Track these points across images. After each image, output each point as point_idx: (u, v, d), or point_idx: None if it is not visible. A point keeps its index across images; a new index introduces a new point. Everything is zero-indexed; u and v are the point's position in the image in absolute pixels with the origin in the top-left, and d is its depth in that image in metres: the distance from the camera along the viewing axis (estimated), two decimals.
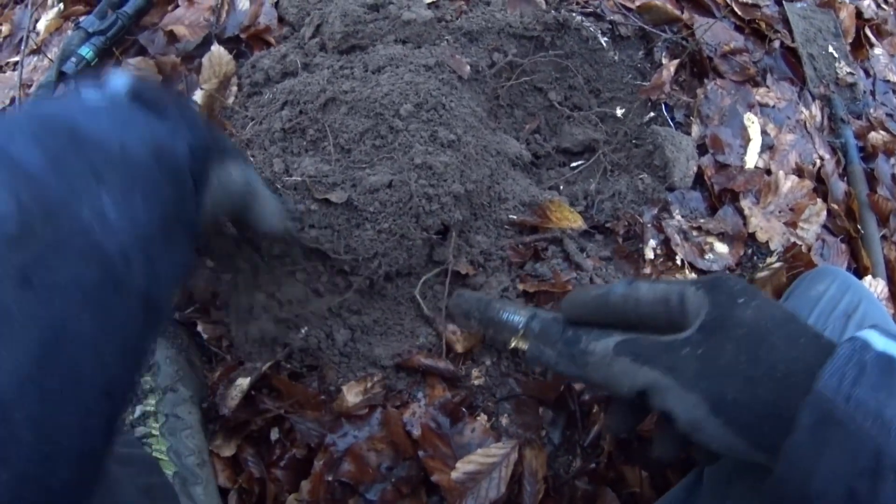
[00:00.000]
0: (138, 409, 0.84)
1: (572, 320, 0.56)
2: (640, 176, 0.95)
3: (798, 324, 0.46)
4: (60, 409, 0.35)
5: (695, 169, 0.97)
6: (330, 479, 0.84)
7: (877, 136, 1.13)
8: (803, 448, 0.41)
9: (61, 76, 1.03)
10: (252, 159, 0.90)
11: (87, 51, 1.02)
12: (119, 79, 0.56)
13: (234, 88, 0.98)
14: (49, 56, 1.09)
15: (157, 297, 0.45)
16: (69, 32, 1.08)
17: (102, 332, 0.39)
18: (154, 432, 0.83)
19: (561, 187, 0.95)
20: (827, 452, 0.40)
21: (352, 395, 0.86)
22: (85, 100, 0.54)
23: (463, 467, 0.85)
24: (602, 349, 0.51)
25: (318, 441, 0.85)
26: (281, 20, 1.05)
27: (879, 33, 1.29)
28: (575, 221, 0.88)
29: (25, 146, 0.41)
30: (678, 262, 0.91)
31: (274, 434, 0.88)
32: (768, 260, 0.94)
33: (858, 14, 1.27)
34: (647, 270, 0.91)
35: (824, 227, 1.01)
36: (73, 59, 1.02)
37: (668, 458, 0.52)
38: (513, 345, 0.64)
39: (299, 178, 0.87)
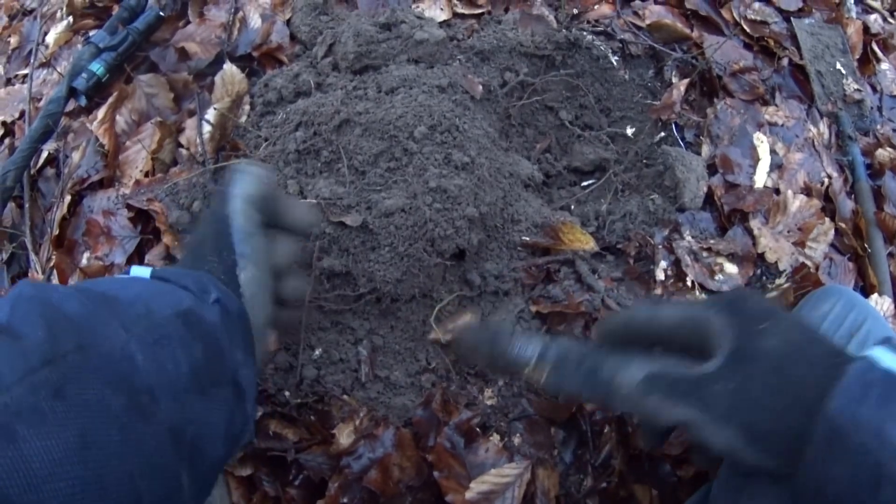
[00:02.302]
0: None
1: (602, 343, 0.59)
2: (651, 196, 0.95)
3: (818, 346, 0.50)
4: (87, 496, 0.40)
5: (705, 189, 0.97)
6: (345, 500, 0.85)
7: (884, 153, 1.13)
8: (817, 462, 0.45)
9: (72, 91, 1.03)
10: None
11: (97, 67, 1.02)
12: (141, 268, 0.61)
13: (247, 107, 0.98)
14: (59, 70, 1.09)
15: (192, 435, 0.49)
16: (79, 47, 1.08)
17: (128, 448, 0.43)
18: None
19: (572, 207, 0.96)
20: (836, 466, 0.44)
21: (344, 437, 0.87)
22: (116, 278, 0.61)
23: (477, 487, 0.85)
24: (629, 384, 0.52)
25: (330, 472, 0.86)
26: (293, 38, 1.05)
27: (886, 48, 1.30)
28: (587, 243, 0.89)
29: (65, 297, 0.47)
30: (689, 283, 0.92)
31: (290, 455, 0.88)
32: (777, 281, 0.95)
33: (865, 29, 1.27)
34: (658, 291, 0.91)
35: (832, 245, 1.02)
36: (84, 75, 1.02)
37: (708, 468, 0.55)
38: (527, 374, 0.65)
39: (314, 201, 0.87)
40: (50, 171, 1.05)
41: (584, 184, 0.99)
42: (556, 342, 0.61)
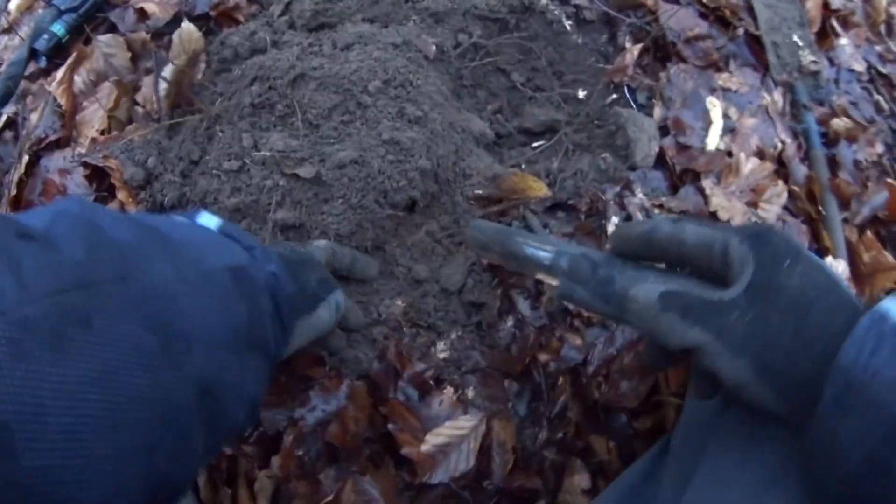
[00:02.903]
0: None
1: (617, 253, 0.58)
2: (602, 155, 0.96)
3: (838, 294, 0.49)
4: (95, 434, 0.37)
5: (657, 149, 0.98)
6: (301, 453, 0.85)
7: (839, 123, 1.15)
8: (828, 415, 0.44)
9: (33, 53, 1.04)
10: (221, 134, 0.91)
11: (58, 28, 1.02)
12: (211, 217, 0.61)
13: (203, 65, 0.98)
14: (20, 34, 1.09)
15: (219, 395, 0.47)
16: (41, 11, 1.08)
17: (151, 394, 0.40)
18: None
19: (523, 166, 0.97)
20: (848, 420, 0.43)
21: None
22: (174, 219, 0.58)
23: (432, 440, 0.86)
24: (645, 298, 0.52)
25: (286, 424, 0.86)
26: None
27: (846, 24, 1.31)
28: (540, 190, 0.89)
29: (115, 223, 0.44)
30: None
31: None
32: None
33: (825, 5, 1.29)
34: (609, 247, 0.92)
35: (785, 208, 1.03)
36: (45, 36, 1.02)
37: (709, 397, 0.55)
38: (539, 277, 0.65)
39: (268, 154, 0.87)
40: (9, 135, 1.04)
41: (535, 144, 1.00)
42: (569, 249, 0.60)
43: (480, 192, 0.91)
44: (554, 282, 0.60)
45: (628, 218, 0.93)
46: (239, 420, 0.54)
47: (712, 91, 1.06)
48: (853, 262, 1.03)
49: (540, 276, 0.63)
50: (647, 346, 0.63)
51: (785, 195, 1.02)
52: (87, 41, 1.04)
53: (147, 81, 0.98)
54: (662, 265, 0.58)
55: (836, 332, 0.46)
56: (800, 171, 1.08)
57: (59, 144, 1.00)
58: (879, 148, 1.15)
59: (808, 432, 0.46)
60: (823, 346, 0.46)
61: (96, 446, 0.37)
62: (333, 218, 0.86)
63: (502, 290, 0.89)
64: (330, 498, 0.84)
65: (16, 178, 0.98)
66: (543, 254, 0.60)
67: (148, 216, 0.57)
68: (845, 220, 1.07)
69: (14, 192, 0.98)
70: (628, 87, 1.04)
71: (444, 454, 0.86)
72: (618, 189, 0.94)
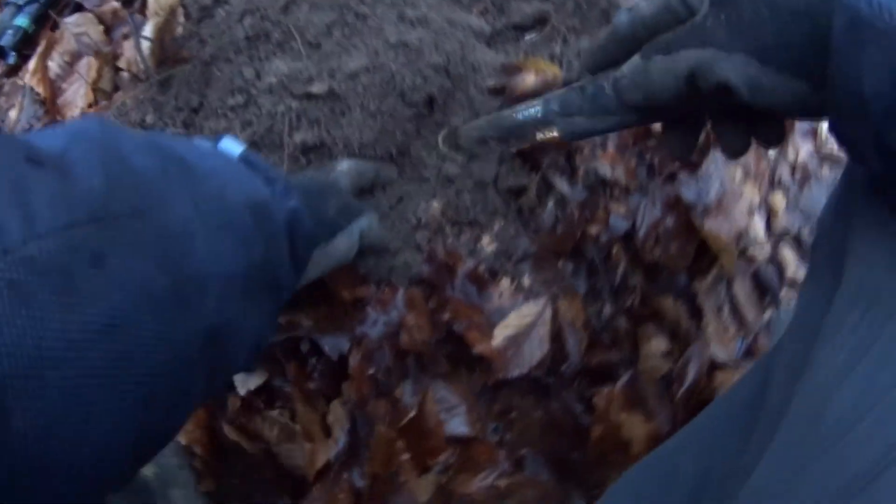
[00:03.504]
0: None
1: (593, 71, 0.56)
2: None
3: None
4: (96, 389, 0.34)
5: None
6: (372, 371, 0.81)
7: None
8: (844, 52, 0.40)
9: (0, 52, 0.99)
10: (219, 73, 0.88)
11: (22, 20, 0.98)
12: (234, 143, 0.58)
13: (182, 18, 0.95)
14: None
15: (225, 340, 0.45)
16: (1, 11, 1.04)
17: (156, 343, 0.38)
18: None
19: (522, 56, 0.96)
20: (865, 53, 0.39)
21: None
22: (197, 144, 0.56)
23: (502, 333, 0.83)
24: (630, 69, 0.50)
25: (349, 346, 0.82)
26: None
27: None
28: (553, 70, 0.88)
29: (138, 149, 0.41)
30: None
31: (304, 345, 0.84)
32: None
33: None
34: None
35: None
36: (10, 31, 0.98)
37: (741, 151, 0.52)
38: (540, 138, 0.63)
39: (274, 80, 0.85)
40: None
41: (528, 37, 0.99)
42: (551, 95, 0.60)
43: (493, 82, 0.89)
44: (554, 132, 0.59)
45: None
46: (240, 364, 0.52)
47: None
48: None
49: (540, 135, 0.62)
50: (665, 134, 0.60)
51: None
52: (55, 26, 1.00)
53: (127, 46, 0.94)
54: None
55: None
56: None
57: None
58: None
59: (829, 82, 0.42)
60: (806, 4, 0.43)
61: (96, 403, 0.34)
62: (354, 129, 0.83)
63: (537, 173, 0.87)
64: (413, 413, 0.80)
65: None
66: (534, 110, 0.60)
67: (175, 141, 0.52)
68: None
69: None
70: None
71: (517, 345, 0.83)
72: None
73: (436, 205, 0.86)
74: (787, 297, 0.93)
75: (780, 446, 0.40)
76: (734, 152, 0.52)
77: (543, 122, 0.60)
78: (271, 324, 0.56)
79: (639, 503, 0.61)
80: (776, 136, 0.51)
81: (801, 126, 1.01)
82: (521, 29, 0.99)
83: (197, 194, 0.44)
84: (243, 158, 0.57)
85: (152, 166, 0.42)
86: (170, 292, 0.39)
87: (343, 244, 0.71)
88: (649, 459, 0.64)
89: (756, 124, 0.50)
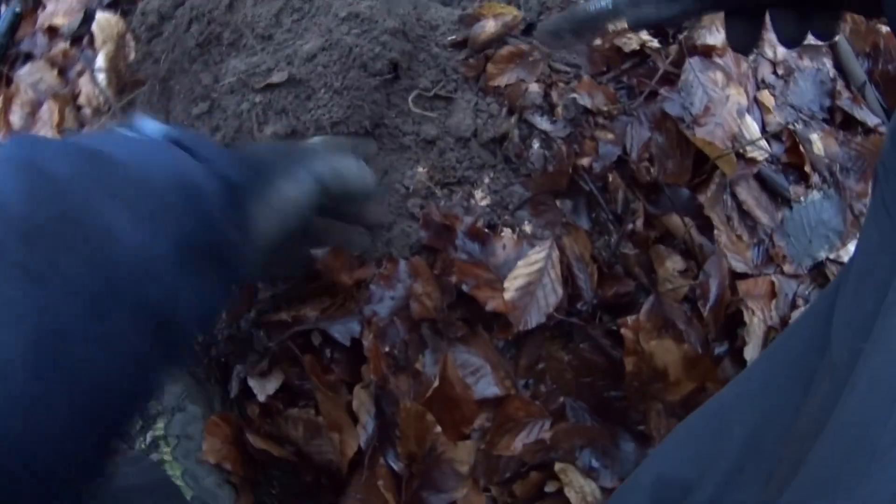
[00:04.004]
0: (149, 436, 0.79)
1: None
2: None
3: None
4: (50, 394, 0.35)
5: None
6: (387, 348, 0.78)
7: None
8: None
9: None
10: (178, 87, 0.86)
11: None
12: (152, 123, 0.56)
13: (133, 44, 0.94)
14: None
15: (174, 323, 0.45)
16: None
17: (103, 339, 0.38)
18: (167, 457, 0.78)
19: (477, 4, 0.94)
20: None
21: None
22: (114, 132, 0.56)
23: (512, 284, 0.80)
24: None
25: (360, 328, 0.80)
26: None
27: None
28: (511, 12, 0.86)
29: (55, 157, 0.42)
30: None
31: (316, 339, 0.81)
32: None
33: None
34: (599, 42, 0.89)
35: None
36: None
37: (798, 40, 0.51)
38: (612, 29, 0.64)
39: (233, 79, 0.83)
40: None
41: None
42: None
43: (454, 37, 0.88)
44: (622, 23, 0.59)
45: None
46: (194, 335, 0.55)
47: None
48: None
49: (611, 26, 0.62)
50: (727, 24, 0.59)
51: None
52: (9, 82, 0.99)
53: (83, 82, 0.93)
54: None
55: None
56: None
57: None
58: None
59: None
60: None
61: (49, 410, 0.35)
62: (323, 110, 0.81)
63: (515, 116, 0.85)
64: (437, 384, 0.77)
65: None
66: (604, 2, 0.60)
67: (93, 137, 0.55)
68: None
69: None
70: None
71: (530, 294, 0.80)
72: None
73: (421, 170, 0.84)
74: (798, 193, 0.90)
75: (837, 441, 0.40)
76: (791, 41, 0.51)
77: (613, 13, 0.60)
78: (224, 291, 0.54)
79: (697, 453, 0.59)
80: (832, 28, 0.51)
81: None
82: None
83: (116, 185, 0.44)
84: (169, 138, 0.55)
85: (71, 169, 0.42)
86: (105, 292, 0.39)
87: (289, 190, 0.62)
88: (708, 406, 0.63)
89: (812, 14, 0.50)
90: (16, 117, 0.97)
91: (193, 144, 0.54)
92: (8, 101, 0.98)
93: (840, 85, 0.99)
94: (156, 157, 0.50)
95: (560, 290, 0.80)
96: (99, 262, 0.39)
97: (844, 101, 0.98)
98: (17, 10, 1.03)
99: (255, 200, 0.58)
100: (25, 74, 0.98)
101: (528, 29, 0.90)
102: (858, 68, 1.01)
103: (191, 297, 0.47)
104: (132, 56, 0.93)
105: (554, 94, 0.85)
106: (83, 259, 0.39)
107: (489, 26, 0.85)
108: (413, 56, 0.86)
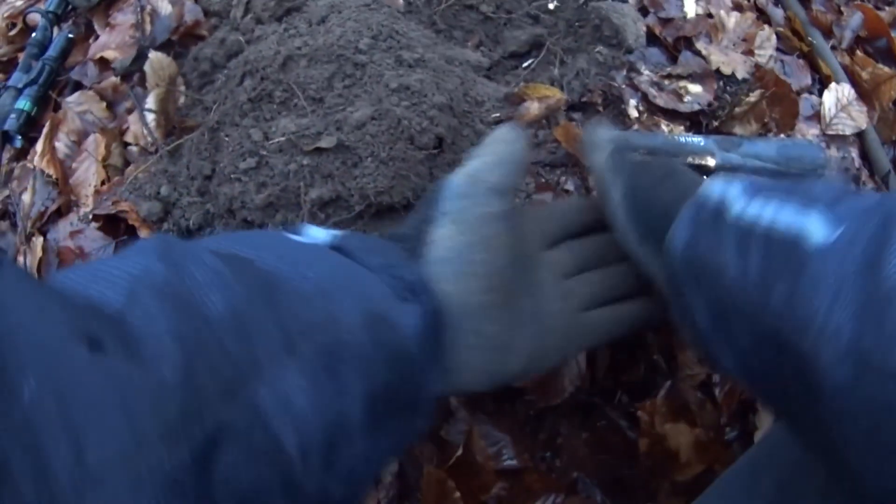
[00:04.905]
0: None
1: None
2: (597, 50, 0.97)
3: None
4: None
5: (644, 29, 0.99)
6: None
7: None
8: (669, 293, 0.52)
9: (4, 136, 1.00)
10: (227, 139, 0.88)
11: (23, 103, 0.99)
12: (317, 228, 0.47)
13: (183, 87, 0.96)
14: None
15: (334, 495, 0.37)
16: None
17: None
18: None
19: (522, 85, 0.96)
20: (681, 298, 0.49)
21: None
22: (283, 237, 0.45)
23: None
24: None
25: None
26: (206, 13, 1.03)
27: None
28: (555, 94, 0.89)
29: (212, 284, 0.34)
30: (661, 110, 0.93)
31: None
32: (744, 97, 0.96)
33: None
34: (636, 128, 0.92)
35: (777, 49, 1.04)
36: (13, 116, 0.98)
37: None
38: (695, 161, 0.70)
39: (283, 139, 0.85)
40: (4, 224, 1.00)
41: (525, 64, 0.99)
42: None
43: (498, 115, 0.90)
44: (710, 161, 0.67)
45: (644, 97, 0.94)
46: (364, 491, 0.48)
47: None
48: (854, 82, 1.05)
49: (697, 160, 0.68)
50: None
51: (774, 38, 1.04)
52: (57, 107, 1.01)
53: (132, 119, 0.95)
54: None
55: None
56: (777, 14, 1.10)
57: (61, 212, 0.96)
58: None
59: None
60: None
61: None
62: (368, 178, 0.84)
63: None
64: (460, 452, 0.81)
65: (31, 261, 0.94)
66: (698, 139, 0.68)
67: (255, 246, 0.40)
68: (833, 48, 1.09)
69: (36, 276, 0.94)
70: None
71: (554, 371, 0.84)
72: (624, 73, 0.95)
73: None
74: None
75: None
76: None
77: (704, 150, 0.66)
78: (402, 443, 0.47)
79: None
80: None
81: (804, 110, 1.01)
82: (517, 56, 1.00)
83: (291, 333, 0.35)
84: (335, 247, 0.46)
85: (232, 308, 0.33)
86: (277, 484, 0.33)
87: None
88: (739, 464, 0.63)
89: None
90: (61, 144, 0.98)
91: (365, 256, 0.45)
92: (55, 127, 0.99)
93: (865, 175, 1.02)
94: (339, 284, 0.40)
95: (584, 369, 0.84)
96: (266, 449, 0.32)
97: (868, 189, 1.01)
98: (71, 34, 1.04)
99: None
100: (74, 103, 0.99)
101: (570, 109, 0.92)
102: (884, 157, 1.04)
103: (370, 460, 0.40)
104: (182, 100, 0.95)
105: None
106: (249, 447, 0.31)
107: (533, 108, 0.88)
108: (458, 131, 0.88)
